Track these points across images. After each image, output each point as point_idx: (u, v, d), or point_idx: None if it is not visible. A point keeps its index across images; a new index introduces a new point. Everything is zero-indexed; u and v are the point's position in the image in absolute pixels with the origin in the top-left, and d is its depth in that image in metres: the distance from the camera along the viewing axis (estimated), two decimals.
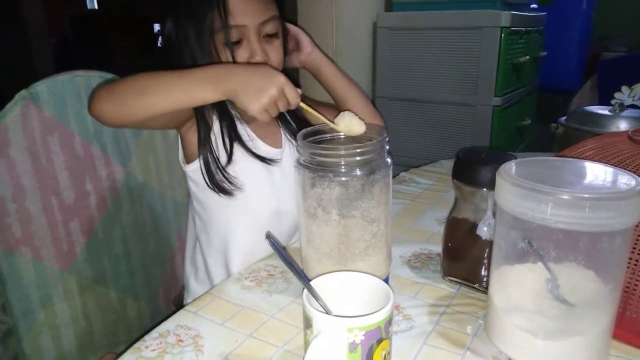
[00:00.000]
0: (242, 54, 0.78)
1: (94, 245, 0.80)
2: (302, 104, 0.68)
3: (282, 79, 0.65)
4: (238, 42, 0.77)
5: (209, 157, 0.80)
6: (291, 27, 0.91)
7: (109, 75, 0.81)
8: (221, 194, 0.81)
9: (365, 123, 0.62)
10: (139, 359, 0.52)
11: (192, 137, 0.81)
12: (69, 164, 0.76)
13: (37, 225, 0.73)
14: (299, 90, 0.67)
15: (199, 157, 0.81)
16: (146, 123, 0.73)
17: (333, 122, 0.62)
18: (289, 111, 0.92)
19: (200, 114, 0.80)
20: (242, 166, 0.82)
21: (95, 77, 0.79)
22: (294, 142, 0.90)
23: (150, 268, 0.90)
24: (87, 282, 0.79)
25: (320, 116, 0.66)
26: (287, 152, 0.88)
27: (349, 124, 0.61)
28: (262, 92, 0.64)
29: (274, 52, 0.81)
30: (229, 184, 0.81)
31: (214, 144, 0.81)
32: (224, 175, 0.80)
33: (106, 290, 0.83)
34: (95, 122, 0.79)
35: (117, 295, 0.84)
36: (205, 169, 0.80)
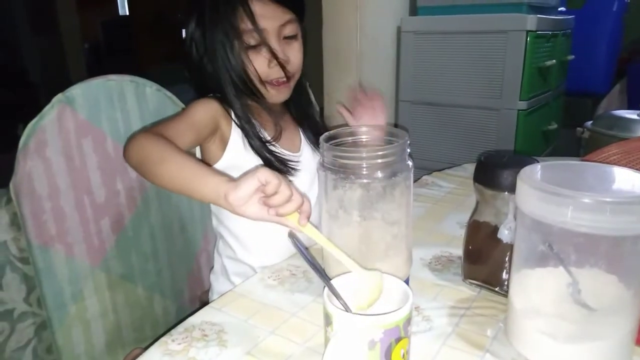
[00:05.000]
0: (261, 58, 0.80)
1: (123, 243, 0.83)
2: (308, 229, 0.55)
3: (261, 174, 0.55)
4: (257, 46, 0.79)
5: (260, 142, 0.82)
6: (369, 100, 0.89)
7: (140, 79, 0.84)
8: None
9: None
10: (166, 352, 0.54)
11: (212, 146, 0.83)
12: (101, 164, 0.79)
13: (70, 222, 0.76)
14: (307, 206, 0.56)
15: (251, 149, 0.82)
16: None
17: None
18: (307, 116, 0.93)
19: (237, 117, 0.82)
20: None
21: (126, 81, 0.82)
22: (311, 145, 0.92)
23: (177, 266, 0.93)
24: (116, 278, 0.83)
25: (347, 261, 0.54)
26: (305, 157, 0.89)
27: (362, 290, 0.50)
28: (242, 183, 0.55)
29: (293, 53, 0.83)
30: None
31: (233, 146, 0.82)
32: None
33: (134, 286, 0.86)
34: (126, 125, 0.82)
35: (144, 291, 0.87)
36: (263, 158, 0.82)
